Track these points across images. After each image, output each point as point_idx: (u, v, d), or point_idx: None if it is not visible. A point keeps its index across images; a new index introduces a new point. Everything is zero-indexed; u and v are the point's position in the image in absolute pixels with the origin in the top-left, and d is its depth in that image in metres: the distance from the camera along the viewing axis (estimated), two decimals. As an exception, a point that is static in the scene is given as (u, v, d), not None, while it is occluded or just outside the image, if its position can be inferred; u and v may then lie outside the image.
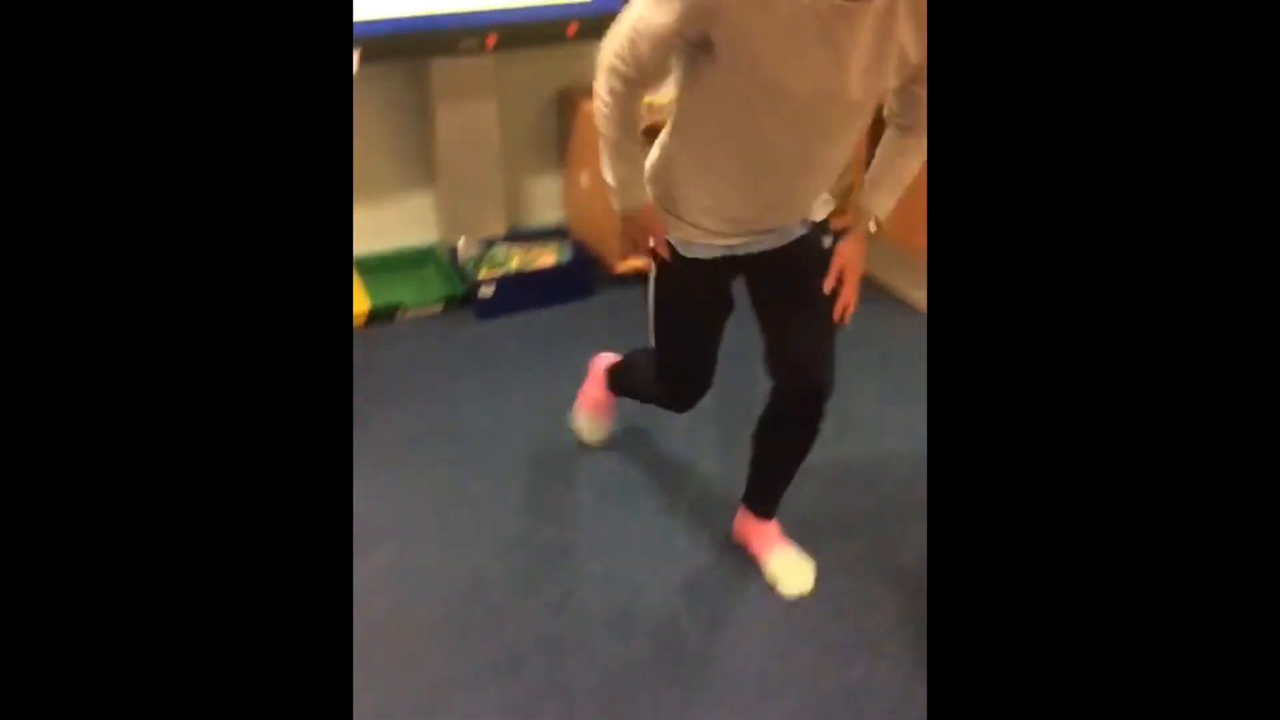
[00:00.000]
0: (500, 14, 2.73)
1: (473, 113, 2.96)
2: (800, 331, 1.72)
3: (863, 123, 1.56)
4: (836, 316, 1.69)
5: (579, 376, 2.62)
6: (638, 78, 1.50)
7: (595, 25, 2.85)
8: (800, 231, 1.68)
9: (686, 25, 1.39)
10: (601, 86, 1.53)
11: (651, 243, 1.69)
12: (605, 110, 1.56)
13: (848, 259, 1.69)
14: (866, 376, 2.63)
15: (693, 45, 1.43)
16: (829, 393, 1.72)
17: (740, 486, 2.02)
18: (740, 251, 1.67)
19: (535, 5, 2.76)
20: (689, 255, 1.69)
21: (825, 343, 1.72)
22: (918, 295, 3.01)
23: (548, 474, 2.32)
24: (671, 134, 1.64)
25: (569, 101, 3.12)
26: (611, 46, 1.48)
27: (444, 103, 2.91)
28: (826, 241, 1.69)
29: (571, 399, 2.46)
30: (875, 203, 1.68)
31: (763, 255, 1.68)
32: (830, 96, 1.44)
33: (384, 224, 3.08)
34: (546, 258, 2.99)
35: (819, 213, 1.70)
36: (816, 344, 1.71)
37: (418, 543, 2.07)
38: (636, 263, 3.07)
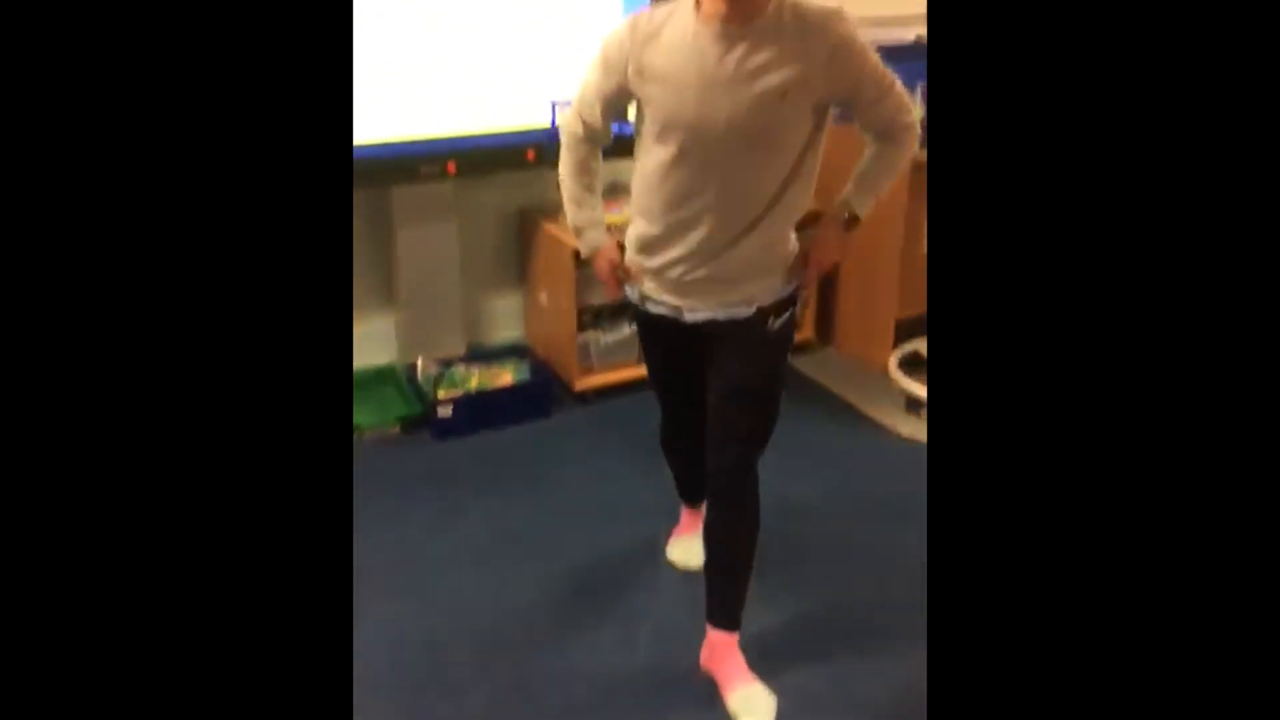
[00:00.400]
0: (461, 141, 2.79)
1: (433, 234, 2.99)
2: (729, 418, 1.79)
3: (772, 162, 1.64)
4: (803, 296, 1.79)
5: (537, 498, 2.58)
6: (584, 132, 1.80)
7: (554, 151, 2.91)
8: (745, 313, 1.73)
9: (607, 80, 1.70)
10: (561, 137, 1.84)
11: (609, 287, 1.87)
12: (563, 157, 1.84)
13: (817, 241, 1.77)
14: (829, 497, 2.61)
15: (621, 99, 1.71)
16: (745, 475, 1.82)
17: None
18: (687, 317, 1.77)
19: (495, 132, 2.82)
20: (645, 308, 1.85)
21: (751, 431, 1.81)
22: (879, 411, 3.01)
23: (505, 607, 2.23)
24: (633, 183, 1.81)
25: (529, 221, 3.16)
26: (572, 105, 1.80)
27: (404, 226, 2.94)
28: (773, 324, 1.76)
29: (530, 522, 2.40)
30: (853, 197, 1.75)
31: (709, 329, 1.76)
32: (710, 125, 1.58)
33: (342, 344, 3.05)
34: (505, 376, 2.98)
35: (764, 297, 1.74)
36: (741, 430, 1.80)
37: (362, 685, 1.97)
38: (597, 380, 3.06)
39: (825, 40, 1.56)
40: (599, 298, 3.02)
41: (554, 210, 3.07)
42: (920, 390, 2.91)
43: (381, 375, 3.10)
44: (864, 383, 3.17)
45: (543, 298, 3.16)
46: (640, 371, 3.08)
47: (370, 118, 2.64)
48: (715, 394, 1.80)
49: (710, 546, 1.91)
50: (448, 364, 3.00)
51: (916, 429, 2.87)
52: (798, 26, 1.56)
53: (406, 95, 2.68)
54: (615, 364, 3.10)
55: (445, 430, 2.84)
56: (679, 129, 1.61)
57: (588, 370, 3.08)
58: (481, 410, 2.88)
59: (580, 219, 1.88)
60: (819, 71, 1.57)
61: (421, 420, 2.88)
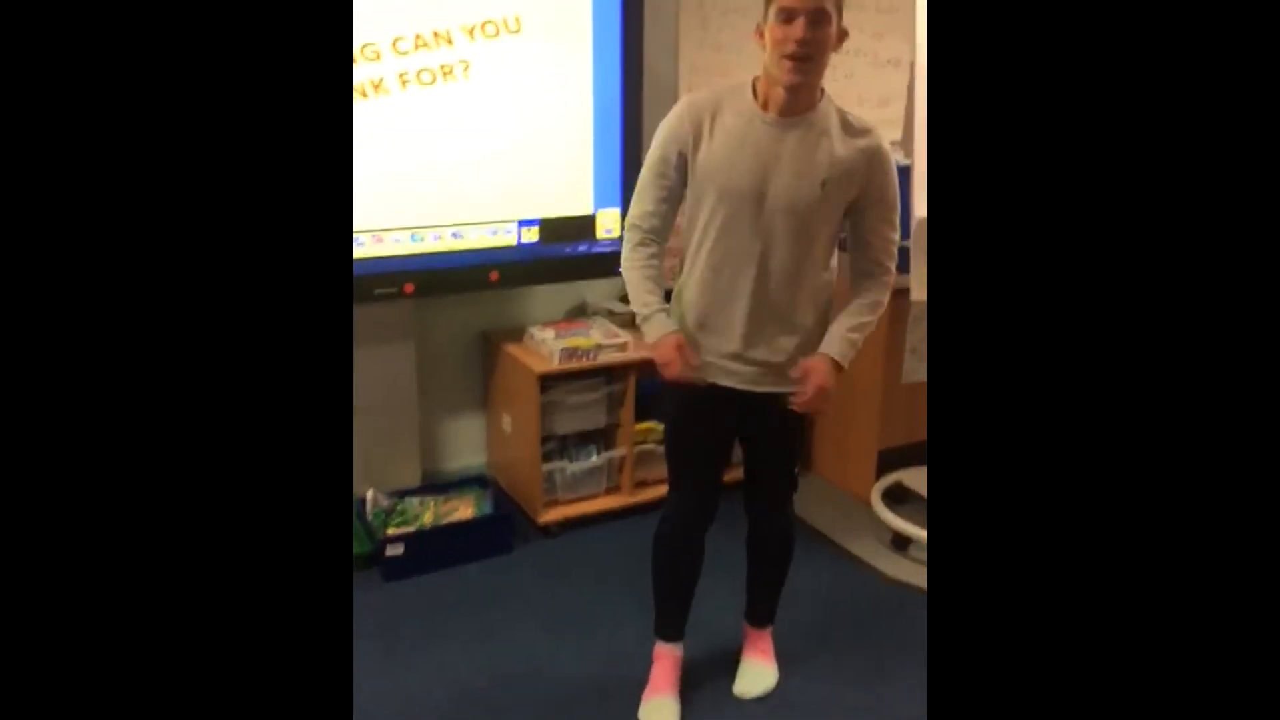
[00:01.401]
0: (420, 260, 2.65)
1: (388, 356, 2.81)
2: (774, 468, 2.06)
3: (816, 234, 1.82)
4: (800, 411, 1.90)
5: (494, 643, 2.34)
6: (647, 228, 1.89)
7: (519, 271, 2.79)
8: (790, 389, 1.89)
9: (666, 160, 1.84)
10: (625, 235, 1.93)
11: (671, 368, 1.86)
12: (626, 254, 1.91)
13: (812, 367, 1.87)
14: (806, 646, 2.39)
15: (680, 181, 1.85)
16: (789, 503, 2.12)
17: None
18: (740, 386, 1.91)
19: (456, 251, 2.69)
20: (700, 380, 1.92)
21: (789, 472, 2.08)
22: (861, 548, 2.82)
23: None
24: (683, 260, 1.94)
25: (491, 343, 3.00)
26: (633, 205, 1.91)
27: (358, 346, 2.76)
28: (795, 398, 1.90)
29: (486, 670, 2.16)
30: (829, 344, 1.88)
31: (757, 399, 1.91)
32: (759, 196, 1.77)
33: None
34: (464, 510, 2.76)
35: (792, 384, 1.89)
36: (782, 477, 2.07)
37: None
38: (563, 512, 2.86)
39: (868, 144, 1.79)
40: (564, 425, 2.84)
41: (518, 333, 2.93)
42: (906, 527, 2.73)
43: (329, 506, 2.87)
44: (844, 515, 2.99)
45: (505, 423, 2.97)
46: (610, 503, 2.90)
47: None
48: (754, 458, 2.05)
49: (765, 554, 2.16)
50: (400, 496, 2.79)
51: (902, 569, 2.68)
52: (844, 126, 1.79)
53: (361, 210, 2.55)
54: (582, 495, 2.91)
55: (395, 570, 2.60)
56: (729, 197, 1.79)
57: (553, 502, 2.87)
58: (436, 548, 2.65)
59: (646, 309, 1.89)
60: (857, 171, 1.79)
61: (370, 559, 2.64)
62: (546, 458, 2.85)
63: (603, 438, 2.91)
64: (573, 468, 2.87)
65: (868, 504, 2.93)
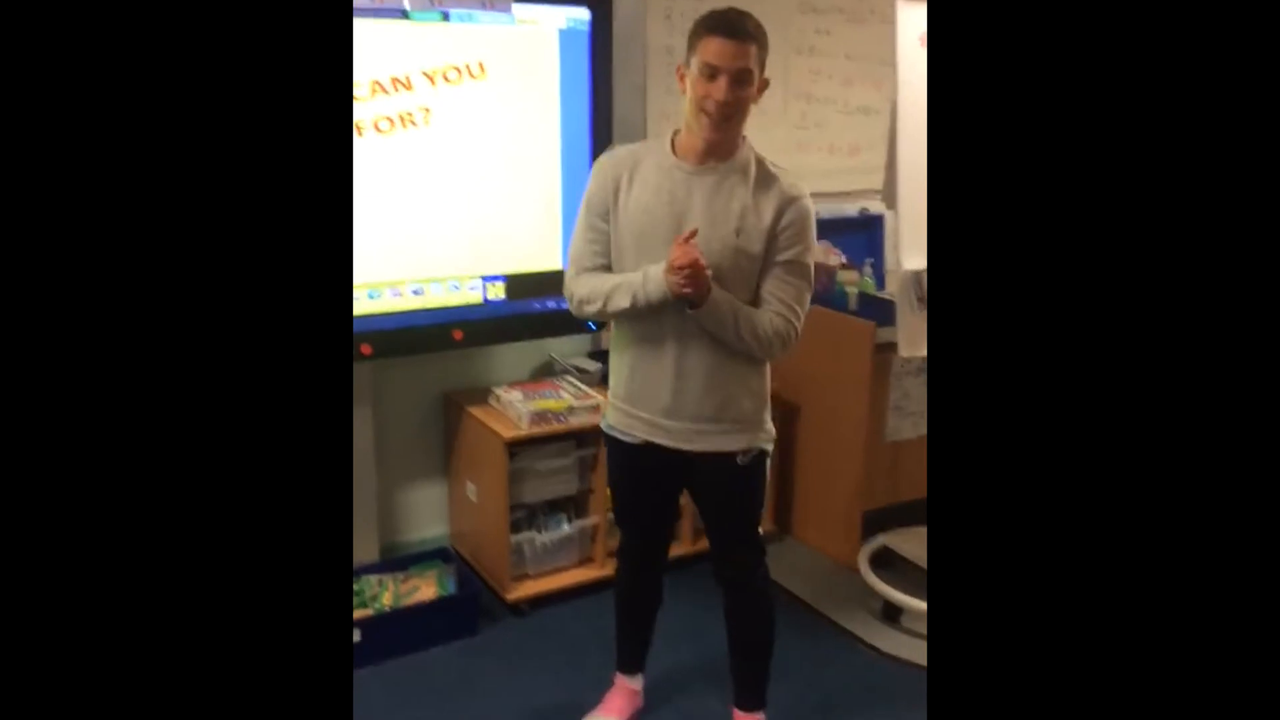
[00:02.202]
0: (377, 320, 2.46)
1: (343, 423, 2.61)
2: (720, 537, 2.00)
3: (735, 284, 1.76)
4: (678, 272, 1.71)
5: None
6: (583, 265, 1.87)
7: (483, 330, 2.61)
8: (708, 447, 1.85)
9: (595, 208, 1.83)
10: (573, 297, 1.88)
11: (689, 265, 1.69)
12: (580, 294, 1.85)
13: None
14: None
15: (606, 222, 1.83)
16: (755, 572, 2.00)
17: None
18: (674, 445, 1.85)
19: (415, 310, 2.51)
20: (617, 436, 1.92)
21: (746, 538, 1.98)
22: (849, 619, 2.66)
23: None
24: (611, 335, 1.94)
25: (454, 406, 2.81)
26: (568, 271, 1.90)
27: (309, 413, 2.56)
28: (740, 460, 1.87)
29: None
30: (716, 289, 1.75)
31: (697, 458, 1.86)
32: (673, 239, 1.71)
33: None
34: (425, 589, 2.55)
35: (732, 443, 1.86)
36: (738, 542, 1.98)
37: None
38: (533, 587, 2.66)
39: (784, 193, 1.76)
40: (534, 494, 2.65)
41: (483, 394, 2.75)
42: (897, 595, 2.59)
43: (277, 585, 2.64)
44: (828, 581, 2.84)
45: (470, 491, 2.78)
46: (583, 576, 2.71)
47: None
48: (709, 525, 2.01)
49: (740, 629, 2.05)
50: (357, 574, 2.57)
51: (897, 644, 2.53)
52: (762, 175, 1.77)
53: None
54: (554, 568, 2.71)
55: (354, 659, 2.38)
56: (647, 242, 1.76)
57: (522, 576, 2.67)
58: (396, 632, 2.43)
59: (629, 281, 1.78)
60: (769, 217, 1.75)
61: (323, 645, 2.42)
62: (515, 528, 2.65)
63: (573, 505, 2.73)
64: (543, 538, 2.68)
65: (853, 570, 2.78)
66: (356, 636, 2.38)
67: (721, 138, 1.73)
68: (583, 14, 2.61)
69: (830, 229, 3.29)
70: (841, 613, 2.68)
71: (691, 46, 1.71)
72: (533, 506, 2.69)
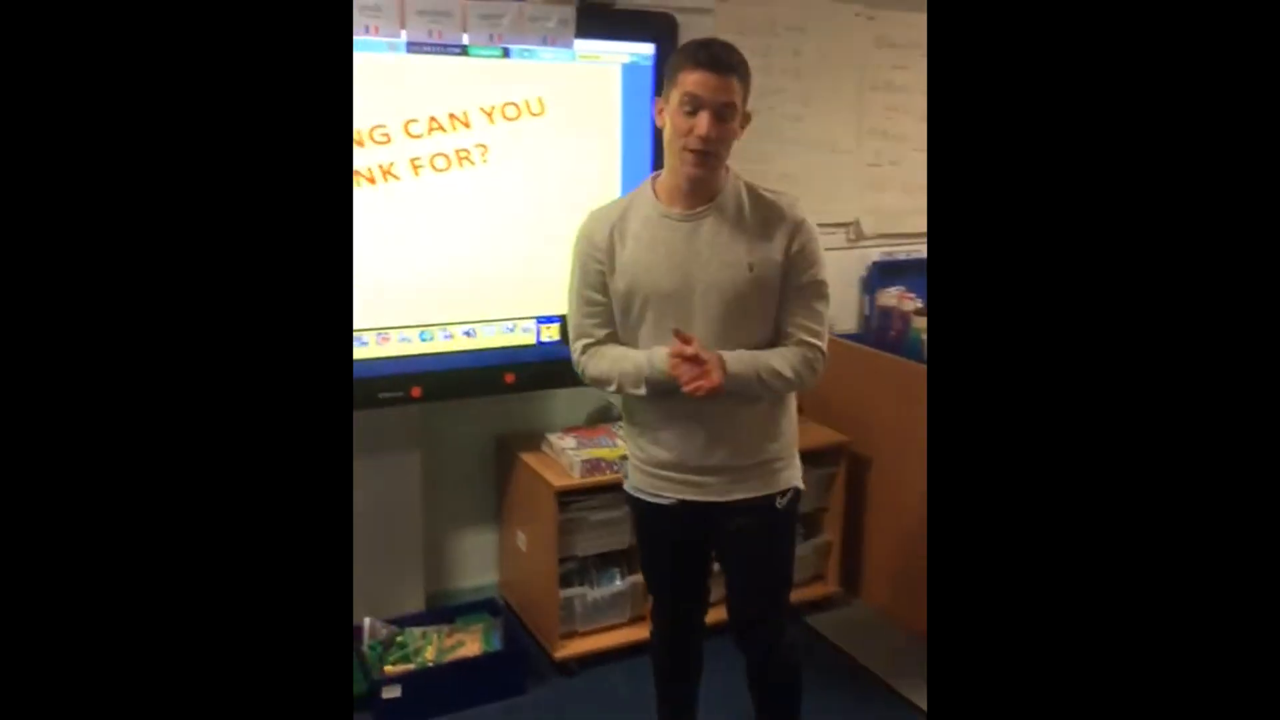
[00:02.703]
0: (428, 361, 2.39)
1: (391, 466, 2.53)
2: (751, 596, 1.86)
3: (755, 322, 1.69)
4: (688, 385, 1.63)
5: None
6: (595, 340, 1.78)
7: (536, 373, 2.52)
8: (745, 494, 1.75)
9: (587, 271, 1.75)
10: (584, 369, 1.80)
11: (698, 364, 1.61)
12: (591, 374, 1.79)
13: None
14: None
15: (604, 292, 1.75)
16: (781, 638, 1.87)
17: None
18: (700, 499, 1.76)
19: (468, 351, 2.43)
20: (647, 500, 1.82)
21: (773, 602, 1.87)
22: (919, 694, 2.47)
23: None
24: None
25: (507, 451, 2.71)
26: (572, 344, 1.82)
27: (357, 455, 2.47)
28: (778, 502, 1.79)
29: None
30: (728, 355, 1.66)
31: (722, 513, 1.76)
32: (687, 295, 1.67)
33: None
34: (470, 644, 2.44)
35: (769, 485, 1.77)
36: (768, 604, 1.86)
37: None
38: (582, 646, 2.53)
39: (789, 218, 1.68)
40: (585, 546, 2.53)
41: (536, 439, 2.65)
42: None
43: (322, 632, 2.56)
44: (898, 651, 2.64)
45: (520, 540, 2.67)
46: (635, 635, 2.56)
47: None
48: (731, 583, 1.87)
49: (764, 701, 1.94)
50: (401, 624, 2.47)
51: None
52: (758, 203, 1.69)
53: (365, 306, 2.30)
54: (604, 626, 2.58)
55: (393, 716, 2.27)
56: (657, 300, 1.68)
57: (571, 633, 2.55)
58: (439, 689, 2.32)
59: (638, 366, 1.71)
60: (779, 246, 1.67)
61: (364, 701, 2.32)
62: (565, 581, 2.53)
63: (626, 560, 2.60)
64: (594, 594, 2.56)
65: (923, 639, 2.58)
66: (396, 692, 2.27)
67: (704, 175, 1.64)
68: (647, 49, 2.52)
69: (905, 272, 3.14)
70: (911, 687, 2.48)
71: (671, 79, 1.62)
72: (584, 559, 2.57)
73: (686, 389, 1.59)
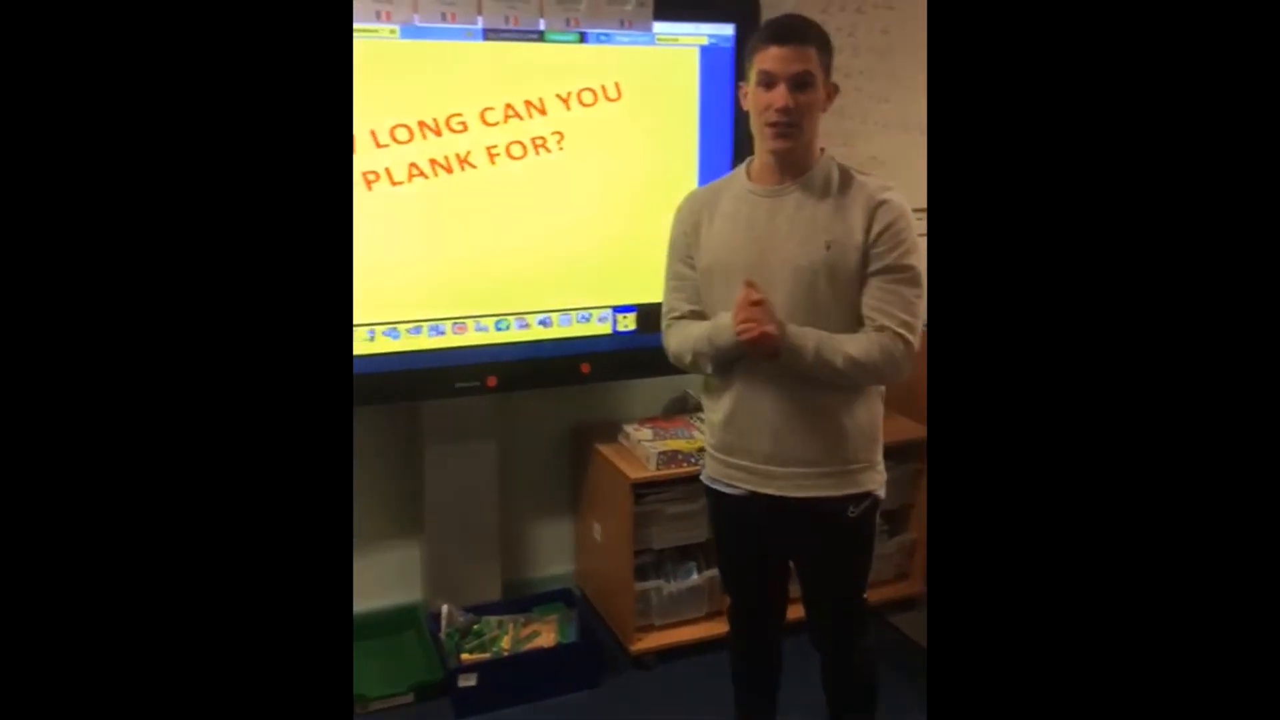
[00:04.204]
0: (503, 350, 2.38)
1: (468, 455, 2.53)
2: (822, 608, 1.82)
3: (832, 302, 1.62)
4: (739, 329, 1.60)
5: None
6: (674, 315, 1.80)
7: (612, 363, 2.49)
8: (817, 493, 1.68)
9: (679, 253, 1.77)
10: (667, 343, 1.82)
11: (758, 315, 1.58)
12: (675, 356, 1.80)
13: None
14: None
15: (690, 267, 1.75)
16: (856, 645, 1.83)
17: None
18: (778, 493, 1.70)
19: (543, 340, 2.41)
20: (719, 489, 1.78)
21: (846, 613, 1.81)
22: None
23: None
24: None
25: (582, 442, 2.69)
26: (665, 325, 1.82)
27: (434, 444, 2.50)
28: (851, 511, 1.71)
29: None
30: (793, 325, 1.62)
31: (800, 509, 1.69)
32: (761, 267, 1.63)
33: (358, 580, 2.56)
34: (546, 634, 2.43)
35: (842, 486, 1.69)
36: (842, 614, 1.81)
37: None
38: (658, 640, 2.50)
39: (871, 196, 1.62)
40: (662, 539, 2.49)
41: (613, 430, 2.62)
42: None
43: (401, 618, 2.59)
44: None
45: (596, 531, 2.65)
46: (712, 630, 2.51)
47: (396, 321, 2.26)
48: (806, 590, 1.82)
49: (836, 701, 1.89)
50: (478, 612, 2.48)
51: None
52: (845, 183, 1.65)
53: (442, 295, 2.30)
54: (681, 619, 2.54)
55: (468, 703, 2.28)
56: (735, 274, 1.63)
57: (647, 627, 2.51)
58: (514, 679, 2.32)
59: (704, 332, 1.70)
60: (859, 225, 1.61)
61: (440, 688, 2.33)
62: (640, 574, 2.50)
63: (703, 553, 2.55)
64: (670, 587, 2.52)
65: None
66: (472, 680, 2.28)
67: (789, 148, 1.61)
68: (726, 30, 2.46)
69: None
70: None
71: (749, 60, 1.62)
72: (660, 552, 2.53)
73: (737, 329, 1.56)
